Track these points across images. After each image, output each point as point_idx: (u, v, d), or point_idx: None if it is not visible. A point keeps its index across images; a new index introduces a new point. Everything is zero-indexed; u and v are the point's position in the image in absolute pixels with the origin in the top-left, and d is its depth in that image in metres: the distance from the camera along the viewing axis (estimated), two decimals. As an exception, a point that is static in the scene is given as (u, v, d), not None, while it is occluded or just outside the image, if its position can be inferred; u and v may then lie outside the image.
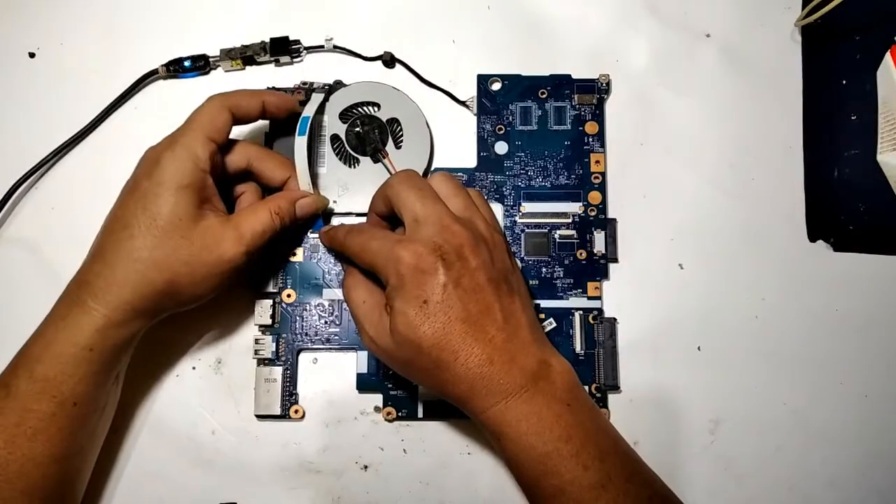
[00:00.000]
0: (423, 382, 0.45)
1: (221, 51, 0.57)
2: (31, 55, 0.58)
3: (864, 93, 0.54)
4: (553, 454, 0.42)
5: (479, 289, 0.43)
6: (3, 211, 0.54)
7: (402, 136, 0.55)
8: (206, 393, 0.53)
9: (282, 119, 0.53)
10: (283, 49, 0.57)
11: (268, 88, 0.56)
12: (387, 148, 0.55)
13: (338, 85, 0.56)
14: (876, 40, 0.54)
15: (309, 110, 0.52)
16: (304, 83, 0.56)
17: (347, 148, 0.55)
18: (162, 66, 0.57)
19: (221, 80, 0.58)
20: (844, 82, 0.55)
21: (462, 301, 0.42)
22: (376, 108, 0.55)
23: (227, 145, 0.50)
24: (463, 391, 0.43)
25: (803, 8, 0.56)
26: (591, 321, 0.53)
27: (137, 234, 0.45)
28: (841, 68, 0.55)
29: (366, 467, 0.52)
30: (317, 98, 0.53)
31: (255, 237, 0.47)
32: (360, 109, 0.56)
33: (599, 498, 0.41)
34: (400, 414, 0.52)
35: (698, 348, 0.54)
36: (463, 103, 0.57)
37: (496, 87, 0.57)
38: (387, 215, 0.48)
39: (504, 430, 0.43)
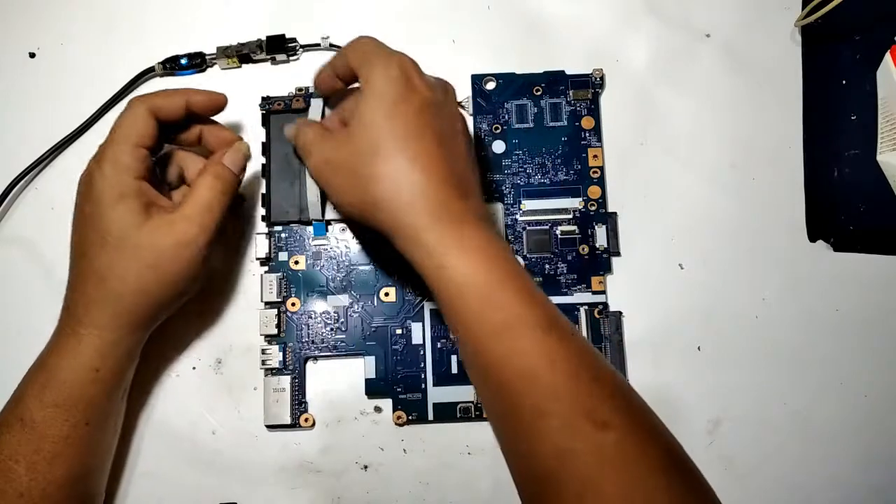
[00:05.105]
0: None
1: (218, 48, 0.57)
2: (32, 55, 0.58)
3: (864, 93, 0.54)
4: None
5: None
6: (0, 209, 0.54)
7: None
8: (206, 393, 0.53)
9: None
10: (279, 47, 0.57)
11: (262, 99, 0.55)
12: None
13: None
14: (876, 40, 0.54)
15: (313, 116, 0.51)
16: (300, 89, 0.55)
17: None
18: (158, 63, 0.57)
19: (218, 78, 0.58)
20: (844, 82, 0.55)
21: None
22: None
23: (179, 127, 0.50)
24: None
25: (803, 8, 0.56)
26: (597, 315, 0.53)
27: (93, 255, 0.45)
28: (841, 68, 0.55)
29: (366, 467, 0.52)
30: (317, 105, 0.51)
31: (204, 210, 0.47)
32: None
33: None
34: (410, 418, 0.52)
35: (698, 348, 0.54)
36: (458, 104, 0.57)
37: (490, 86, 0.57)
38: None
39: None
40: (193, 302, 0.53)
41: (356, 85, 0.46)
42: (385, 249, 0.44)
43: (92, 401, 0.46)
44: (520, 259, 0.54)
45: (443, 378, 0.52)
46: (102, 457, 0.48)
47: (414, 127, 0.42)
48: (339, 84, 0.47)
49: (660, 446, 0.39)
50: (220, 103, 0.50)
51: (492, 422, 0.43)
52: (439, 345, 0.53)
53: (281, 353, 0.52)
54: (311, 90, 0.55)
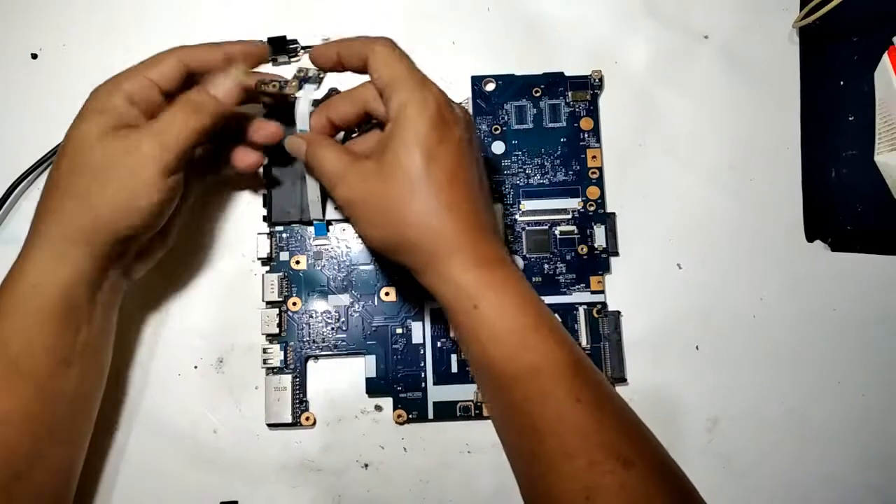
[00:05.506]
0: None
1: (220, 50, 0.57)
2: (34, 56, 0.58)
3: (862, 94, 0.55)
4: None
5: None
6: (2, 210, 0.54)
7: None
8: (207, 392, 0.53)
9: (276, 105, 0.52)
10: (280, 48, 0.57)
11: (264, 105, 0.55)
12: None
13: (333, 93, 0.55)
14: (873, 41, 0.54)
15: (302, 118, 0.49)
16: (301, 70, 0.55)
17: None
18: (160, 64, 0.57)
19: (220, 79, 0.58)
20: (842, 83, 0.55)
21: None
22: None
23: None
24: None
25: (801, 9, 0.56)
26: (596, 315, 0.53)
27: (55, 168, 0.44)
28: (838, 69, 0.56)
29: (366, 466, 0.52)
30: (309, 90, 0.49)
31: (168, 129, 0.44)
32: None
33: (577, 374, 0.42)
34: (411, 416, 0.52)
35: (696, 347, 0.54)
36: (458, 105, 0.57)
37: (490, 87, 0.57)
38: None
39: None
40: (195, 301, 0.54)
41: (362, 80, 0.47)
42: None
43: (25, 331, 0.42)
44: (519, 259, 0.54)
45: (443, 377, 0.52)
46: (53, 419, 0.44)
47: (451, 172, 0.42)
48: (338, 67, 0.47)
49: (675, 481, 0.41)
50: (261, 54, 0.49)
51: (514, 461, 0.44)
52: (439, 344, 0.53)
53: (282, 353, 0.52)
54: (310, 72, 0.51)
